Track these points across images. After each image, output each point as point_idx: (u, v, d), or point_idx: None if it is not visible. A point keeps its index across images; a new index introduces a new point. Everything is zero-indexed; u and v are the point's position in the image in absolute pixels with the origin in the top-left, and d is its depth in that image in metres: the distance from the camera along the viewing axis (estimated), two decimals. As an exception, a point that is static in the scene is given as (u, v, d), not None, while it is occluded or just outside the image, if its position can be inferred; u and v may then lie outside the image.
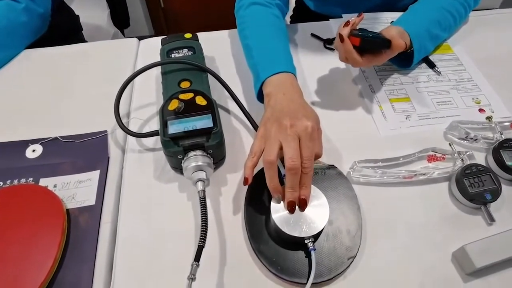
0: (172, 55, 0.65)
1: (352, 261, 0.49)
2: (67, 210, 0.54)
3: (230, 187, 0.57)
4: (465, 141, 0.63)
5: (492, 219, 0.54)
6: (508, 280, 0.49)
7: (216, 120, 0.54)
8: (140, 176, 0.58)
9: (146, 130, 0.63)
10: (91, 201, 0.56)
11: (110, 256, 0.51)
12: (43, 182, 0.58)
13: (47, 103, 0.68)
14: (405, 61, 0.70)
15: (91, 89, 0.70)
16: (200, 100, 0.56)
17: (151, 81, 0.71)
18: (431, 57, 0.76)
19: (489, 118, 0.65)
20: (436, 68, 0.74)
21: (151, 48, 0.74)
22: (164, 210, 0.55)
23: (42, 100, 0.69)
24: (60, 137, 0.63)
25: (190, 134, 0.52)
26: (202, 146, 0.52)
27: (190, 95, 0.57)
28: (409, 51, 0.66)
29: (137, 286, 0.48)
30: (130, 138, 0.63)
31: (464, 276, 0.49)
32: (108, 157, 0.61)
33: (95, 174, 0.59)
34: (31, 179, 0.58)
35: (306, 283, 0.46)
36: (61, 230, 0.51)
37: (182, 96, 0.57)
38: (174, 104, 0.55)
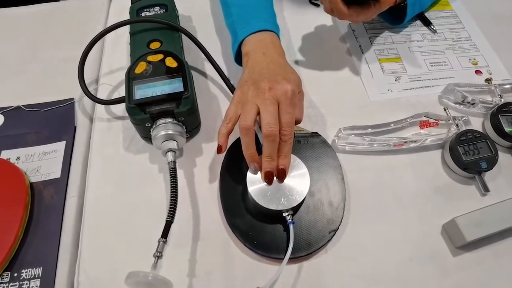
0: (143, 14, 0.60)
1: (334, 234, 0.46)
2: (31, 183, 0.51)
3: (205, 158, 0.53)
4: (462, 106, 0.58)
5: (486, 189, 0.50)
6: (499, 254, 0.46)
7: (187, 84, 0.49)
8: (109, 146, 0.54)
9: (116, 96, 0.58)
10: (57, 174, 0.52)
11: (76, 232, 0.48)
12: (5, 154, 0.54)
13: (9, 69, 0.63)
14: (398, 17, 0.64)
15: (57, 53, 0.64)
16: (170, 62, 0.51)
17: (123, 44, 0.65)
18: (427, 14, 0.70)
19: (488, 80, 0.61)
20: (431, 26, 0.68)
21: (123, 7, 0.67)
22: (134, 183, 0.51)
23: (4, 66, 0.63)
24: (23, 105, 0.58)
25: (158, 99, 0.48)
26: (172, 113, 0.48)
27: (160, 56, 0.52)
28: (402, 5, 0.60)
29: (105, 263, 0.46)
30: (99, 106, 0.58)
31: (453, 249, 0.47)
32: (75, 127, 0.56)
33: (61, 145, 0.54)
34: (-9, 151, 0.54)
35: (283, 258, 0.42)
36: (23, 205, 0.48)
37: (150, 58, 0.51)
38: (141, 67, 0.50)
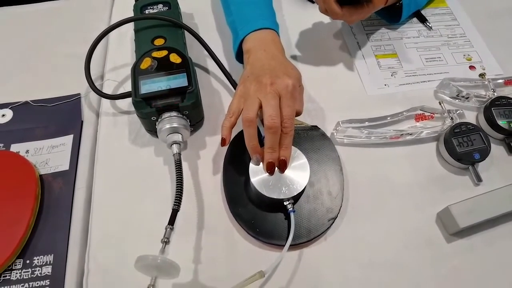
0: (146, 11, 0.61)
1: (333, 222, 0.48)
2: (40, 176, 0.53)
3: (209, 150, 0.55)
4: (457, 100, 0.60)
5: (479, 179, 0.52)
6: (491, 240, 0.48)
7: (191, 79, 0.51)
8: (115, 140, 0.56)
9: (121, 91, 0.60)
10: (65, 166, 0.54)
11: (85, 221, 0.50)
12: (14, 147, 0.55)
13: (16, 66, 0.65)
14: (394, 16, 0.66)
15: (63, 50, 0.66)
16: (175, 58, 0.53)
17: (127, 41, 0.67)
18: (422, 11, 0.72)
19: (482, 75, 0.63)
20: (427, 23, 0.70)
21: (126, 5, 0.69)
22: (140, 174, 0.53)
23: (11, 63, 0.65)
24: (31, 101, 0.60)
25: (164, 94, 0.49)
26: (177, 107, 0.50)
27: (164, 52, 0.53)
28: (398, 4, 0.61)
29: (114, 251, 0.47)
30: (104, 101, 0.60)
31: (447, 236, 0.49)
32: (82, 121, 0.58)
33: (68, 139, 0.56)
34: (1, 145, 0.56)
35: (284, 245, 0.44)
36: (34, 196, 0.50)
37: (155, 54, 0.53)
38: (146, 63, 0.52)
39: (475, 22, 0.71)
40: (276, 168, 0.47)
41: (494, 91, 0.60)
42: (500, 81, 0.62)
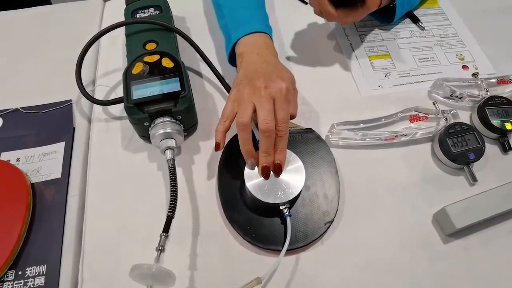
0: (137, 15, 0.61)
1: (330, 225, 0.47)
2: (32, 184, 0.52)
3: (203, 155, 0.54)
4: (450, 100, 0.60)
5: (474, 179, 0.52)
6: (487, 240, 0.48)
7: (184, 83, 0.50)
8: (108, 146, 0.55)
9: (113, 97, 0.59)
10: (57, 174, 0.53)
11: (78, 229, 0.49)
12: (4, 156, 0.54)
13: (6, 72, 0.64)
14: (387, 16, 0.66)
15: (54, 55, 0.65)
16: (167, 62, 0.52)
17: (118, 46, 0.66)
18: (415, 11, 0.72)
19: (475, 75, 0.63)
20: (419, 23, 0.70)
21: (117, 9, 0.68)
22: (134, 181, 0.52)
23: (1, 69, 0.64)
24: (21, 108, 0.59)
25: (156, 99, 0.49)
26: (170, 112, 0.49)
27: (156, 57, 0.53)
28: (391, 5, 0.61)
29: (108, 259, 0.47)
30: (96, 107, 0.59)
31: (444, 237, 0.48)
32: (74, 128, 0.57)
33: (60, 146, 0.55)
34: (-9, 153, 0.55)
35: (281, 250, 0.44)
36: (25, 205, 0.49)
37: (147, 59, 0.53)
38: (138, 68, 0.52)
39: (467, 21, 0.71)
40: (272, 172, 0.46)
41: (487, 91, 0.60)
42: (493, 80, 0.62)
